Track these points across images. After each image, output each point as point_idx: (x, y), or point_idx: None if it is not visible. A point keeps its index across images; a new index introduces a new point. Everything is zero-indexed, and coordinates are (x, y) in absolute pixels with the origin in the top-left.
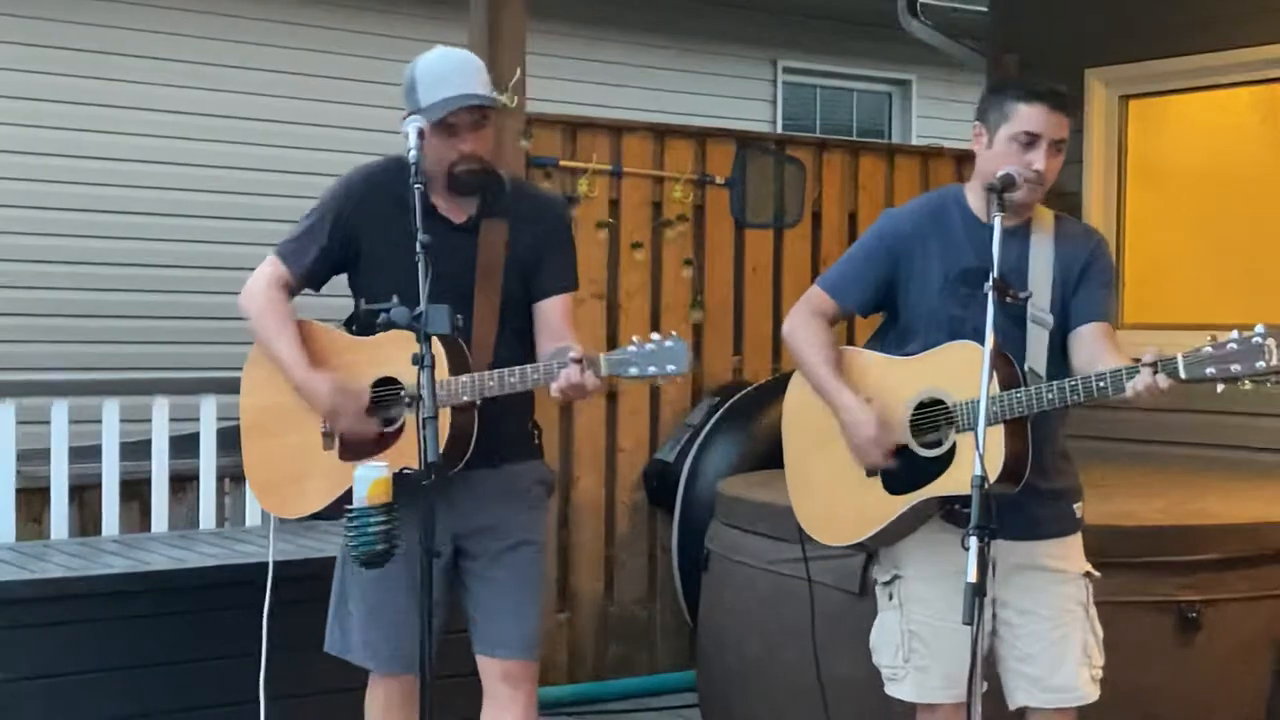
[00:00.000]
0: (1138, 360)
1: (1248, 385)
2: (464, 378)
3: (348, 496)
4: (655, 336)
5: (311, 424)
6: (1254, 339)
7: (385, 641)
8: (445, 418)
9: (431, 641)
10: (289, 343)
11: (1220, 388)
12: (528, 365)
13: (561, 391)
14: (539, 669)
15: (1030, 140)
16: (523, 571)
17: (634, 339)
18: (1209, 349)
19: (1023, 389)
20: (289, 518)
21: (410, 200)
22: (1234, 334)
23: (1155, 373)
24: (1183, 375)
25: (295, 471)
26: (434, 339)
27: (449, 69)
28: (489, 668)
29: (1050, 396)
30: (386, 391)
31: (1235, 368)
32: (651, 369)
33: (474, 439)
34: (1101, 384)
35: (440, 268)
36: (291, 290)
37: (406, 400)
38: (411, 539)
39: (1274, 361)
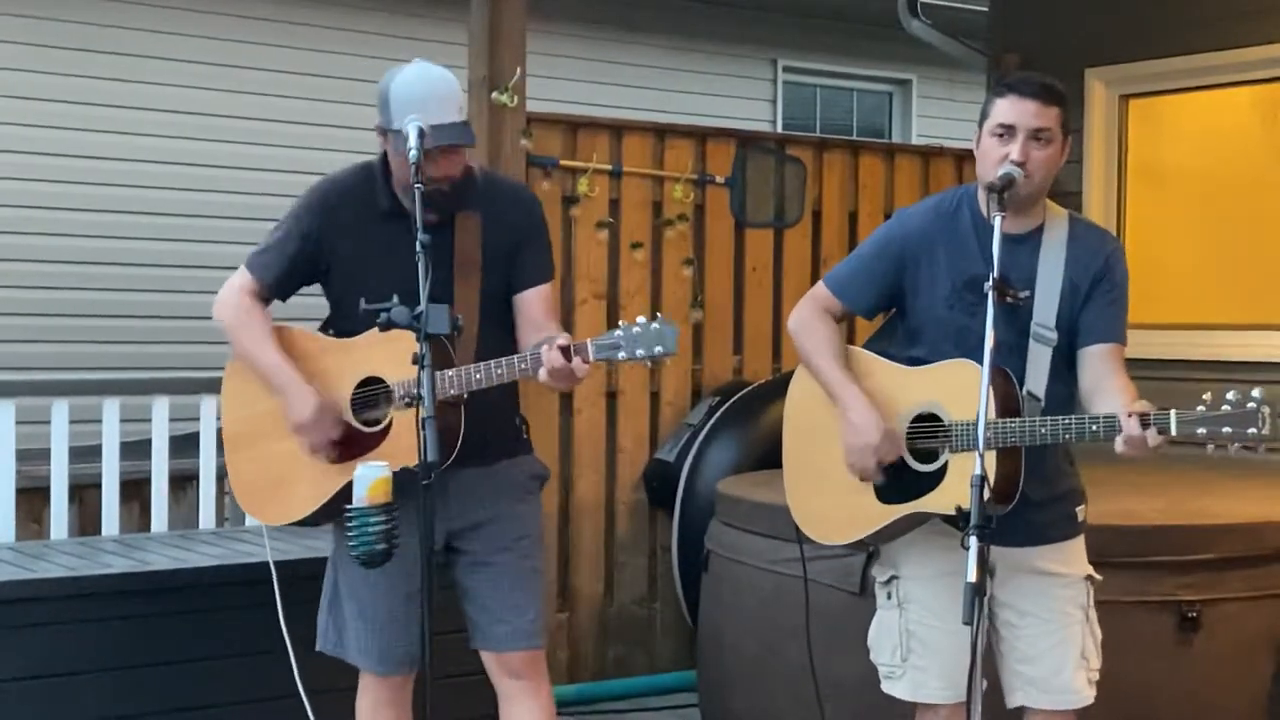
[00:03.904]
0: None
1: (1233, 448)
2: (450, 372)
3: (334, 502)
4: (641, 319)
5: None
6: (1249, 404)
7: (376, 641)
8: None
9: (429, 641)
10: (272, 352)
11: (1210, 447)
12: (514, 355)
13: (550, 375)
14: (544, 657)
15: (1005, 132)
16: (521, 564)
17: (620, 323)
18: (1203, 409)
19: (1017, 420)
20: (275, 524)
21: (379, 204)
22: (1230, 394)
23: (1145, 427)
24: (1174, 433)
25: (281, 478)
26: (411, 336)
27: (425, 93)
28: (497, 664)
29: (1043, 432)
30: (369, 392)
31: (1227, 430)
32: (640, 351)
33: (461, 436)
34: (1094, 428)
35: (416, 266)
36: (264, 299)
37: (406, 400)
38: (404, 539)
39: (1265, 430)
